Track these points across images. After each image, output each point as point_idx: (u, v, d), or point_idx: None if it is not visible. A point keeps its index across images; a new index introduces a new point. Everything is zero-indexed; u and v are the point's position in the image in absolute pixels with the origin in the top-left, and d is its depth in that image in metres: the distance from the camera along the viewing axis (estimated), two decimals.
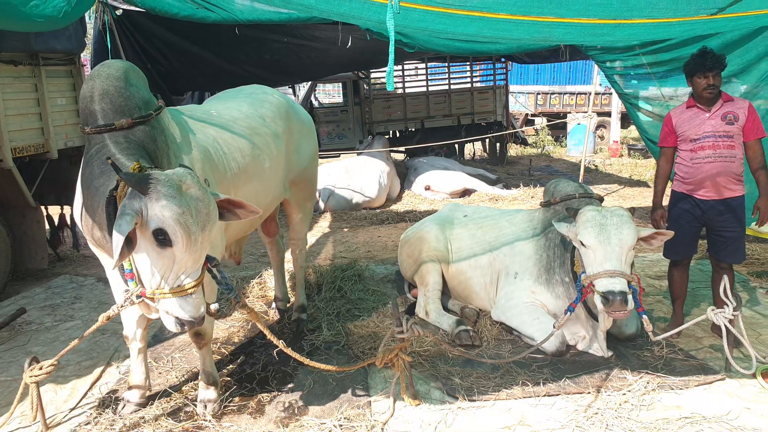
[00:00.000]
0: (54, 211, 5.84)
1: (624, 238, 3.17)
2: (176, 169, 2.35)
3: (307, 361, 2.97)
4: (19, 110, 4.82)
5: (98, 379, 3.46)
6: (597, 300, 3.12)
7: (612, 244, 3.15)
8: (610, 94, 15.30)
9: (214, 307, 2.52)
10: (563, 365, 3.46)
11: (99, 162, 2.47)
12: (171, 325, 2.35)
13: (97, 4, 5.73)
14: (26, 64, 4.87)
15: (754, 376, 3.24)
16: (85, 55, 6.76)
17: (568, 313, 3.24)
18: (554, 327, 3.30)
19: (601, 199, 3.91)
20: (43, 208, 5.51)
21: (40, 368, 2.77)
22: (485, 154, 13.95)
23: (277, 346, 2.86)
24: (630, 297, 3.04)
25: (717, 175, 3.58)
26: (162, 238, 2.19)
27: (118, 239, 2.10)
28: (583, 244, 3.23)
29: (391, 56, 2.49)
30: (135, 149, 2.48)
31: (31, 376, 2.76)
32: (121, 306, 2.52)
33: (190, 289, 2.29)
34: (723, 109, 3.59)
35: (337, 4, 3.08)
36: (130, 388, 3.15)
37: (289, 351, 2.89)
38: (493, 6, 2.89)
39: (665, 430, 2.80)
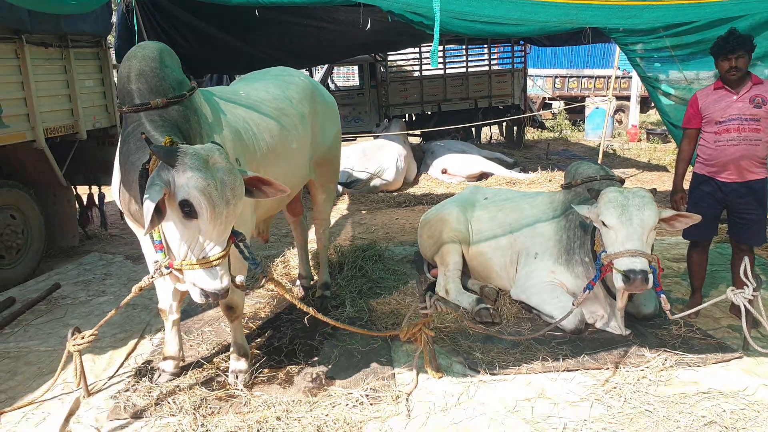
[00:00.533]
0: (83, 191, 6.00)
1: (645, 219, 3.22)
2: (206, 144, 2.44)
3: (339, 324, 3.11)
4: (50, 92, 4.95)
5: (133, 350, 3.62)
6: (617, 278, 3.18)
7: (634, 224, 3.20)
8: (630, 77, 15.12)
9: (239, 279, 2.63)
10: (582, 342, 3.54)
11: (135, 139, 2.58)
12: (196, 296, 2.44)
13: None
14: (56, 46, 4.99)
15: None
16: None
17: (587, 290, 3.31)
18: (573, 305, 3.38)
19: (622, 181, 3.95)
20: (72, 187, 5.67)
21: (82, 338, 2.92)
22: (502, 138, 13.92)
23: (307, 316, 2.98)
24: (650, 276, 3.11)
25: (741, 158, 3.60)
26: (188, 210, 2.29)
27: (148, 206, 2.21)
28: (604, 224, 3.29)
29: (436, 35, 2.55)
30: (169, 127, 2.57)
31: (74, 345, 2.91)
32: (152, 277, 2.63)
33: (214, 261, 2.37)
34: (752, 92, 3.58)
35: None
36: (165, 358, 3.29)
37: (320, 316, 3.02)
38: None
39: (682, 404, 2.88)
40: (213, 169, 2.30)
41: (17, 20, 4.40)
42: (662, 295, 3.21)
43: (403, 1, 3.27)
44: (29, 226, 4.95)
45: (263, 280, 2.82)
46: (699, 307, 3.42)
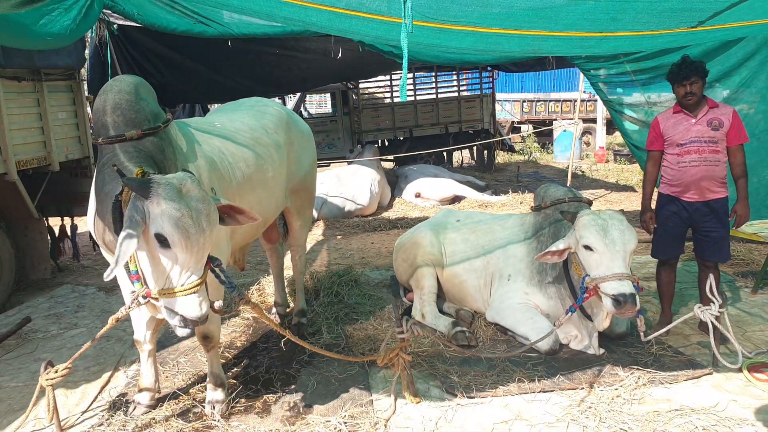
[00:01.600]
0: (55, 222, 5.91)
1: (627, 241, 3.32)
2: (178, 173, 2.47)
3: (316, 349, 3.16)
4: (23, 124, 4.91)
5: (107, 383, 3.56)
6: (606, 302, 3.24)
7: (617, 247, 3.29)
8: (595, 100, 15.63)
9: (218, 304, 2.64)
10: (557, 363, 3.61)
11: (109, 170, 2.60)
12: (176, 324, 2.45)
13: (98, 21, 5.83)
14: (29, 79, 4.97)
15: (740, 370, 3.40)
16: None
17: (570, 313, 3.38)
18: (555, 326, 3.44)
19: (590, 203, 4.09)
20: (44, 219, 5.59)
21: (56, 371, 2.87)
22: (473, 162, 14.17)
23: (284, 339, 2.99)
24: (637, 297, 3.20)
25: (702, 178, 3.76)
26: (163, 240, 2.32)
27: (128, 244, 2.25)
28: (588, 248, 3.34)
29: (404, 71, 2.65)
30: (143, 158, 2.60)
31: (47, 379, 2.85)
32: (129, 307, 2.62)
33: (192, 288, 2.39)
34: (709, 115, 3.75)
35: (338, 21, 3.23)
36: (140, 390, 3.25)
37: (298, 340, 3.05)
38: (487, 21, 3.04)
39: (656, 422, 2.94)
40: (186, 198, 2.34)
41: None
42: (640, 316, 3.31)
43: (373, 34, 3.39)
44: None
45: (240, 304, 2.81)
46: (670, 326, 3.53)
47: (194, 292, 2.40)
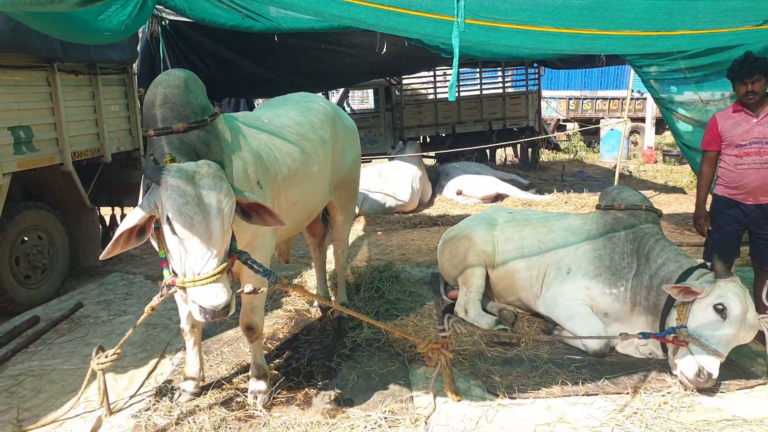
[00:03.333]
0: (106, 212, 6.13)
1: (748, 336, 3.23)
2: (199, 161, 2.47)
3: (367, 319, 3.25)
4: (78, 117, 5.11)
5: (153, 369, 3.66)
6: (687, 364, 3.17)
7: (741, 332, 3.18)
8: (644, 99, 15.13)
9: (248, 288, 2.69)
10: (601, 366, 3.52)
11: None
12: (196, 313, 2.43)
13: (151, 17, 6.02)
14: (85, 73, 5.16)
15: None
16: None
17: (641, 335, 3.29)
18: (619, 336, 3.37)
19: (661, 215, 4.01)
20: (96, 209, 5.81)
21: (106, 356, 2.98)
22: (517, 160, 13.94)
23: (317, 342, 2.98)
24: None
25: (763, 180, 3.59)
26: (172, 227, 2.35)
27: (123, 225, 2.36)
28: (719, 313, 3.19)
29: (455, 69, 2.62)
30: (185, 150, 2.61)
31: (98, 364, 2.97)
32: (160, 296, 2.67)
33: (206, 278, 2.35)
34: None
35: (387, 19, 3.21)
36: (185, 378, 3.33)
37: (344, 309, 3.20)
38: (539, 20, 2.97)
39: (705, 431, 2.84)
40: (196, 185, 2.33)
41: (50, 50, 4.56)
42: None
43: (422, 32, 3.37)
44: (55, 246, 5.07)
45: (281, 287, 2.80)
46: None
47: (209, 282, 2.36)
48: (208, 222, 2.33)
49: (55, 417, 3.10)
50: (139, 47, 6.41)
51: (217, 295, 2.37)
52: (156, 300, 2.72)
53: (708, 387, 3.12)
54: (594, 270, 3.90)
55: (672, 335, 3.22)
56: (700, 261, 3.59)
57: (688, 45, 4.44)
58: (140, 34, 6.68)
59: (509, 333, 3.88)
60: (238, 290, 2.71)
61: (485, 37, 3.33)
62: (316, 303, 4.64)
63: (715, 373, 3.09)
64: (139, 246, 2.53)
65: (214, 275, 2.36)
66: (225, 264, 2.42)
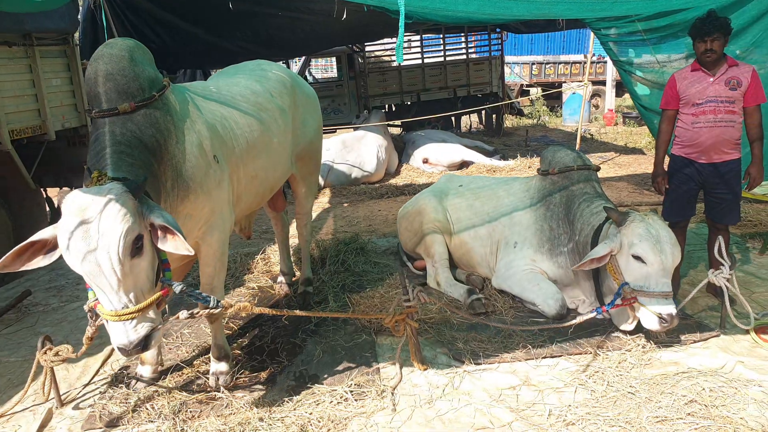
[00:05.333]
0: (53, 192, 5.84)
1: (676, 258, 3.17)
2: (108, 184, 2.22)
3: (320, 314, 3.26)
4: (15, 92, 4.78)
5: (109, 356, 3.52)
6: (647, 317, 3.07)
7: (667, 264, 3.12)
8: (605, 62, 15.24)
9: (183, 314, 2.50)
10: (563, 328, 3.54)
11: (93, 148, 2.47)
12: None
13: None
14: (20, 44, 4.81)
15: (747, 332, 3.36)
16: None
17: (595, 313, 3.18)
18: (576, 320, 3.24)
19: (598, 170, 3.97)
20: (42, 190, 5.52)
21: (56, 354, 2.82)
22: (482, 126, 13.93)
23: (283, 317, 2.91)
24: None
25: (716, 139, 3.62)
26: None
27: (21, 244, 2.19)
28: (637, 258, 3.14)
29: (401, 31, 2.48)
30: (128, 140, 2.44)
31: (45, 360, 2.81)
32: (91, 325, 2.51)
33: (111, 316, 2.15)
34: (728, 74, 3.59)
35: None
36: (142, 363, 3.21)
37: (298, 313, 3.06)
38: None
39: (663, 384, 2.90)
40: (77, 215, 2.07)
41: None
42: None
43: None
44: None
45: (223, 311, 2.64)
46: (688, 298, 3.44)
47: (114, 321, 2.15)
48: (85, 260, 2.07)
49: (3, 411, 2.96)
50: (80, 16, 6.03)
51: (127, 334, 2.16)
52: (90, 330, 2.54)
53: (675, 326, 3.08)
54: (537, 241, 3.90)
55: (619, 299, 3.17)
56: (607, 206, 3.51)
57: (645, 7, 4.41)
58: (81, 2, 6.28)
59: (483, 302, 3.87)
60: (173, 317, 2.54)
61: (441, 3, 3.21)
62: (279, 279, 4.55)
63: (674, 310, 3.04)
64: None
65: (118, 315, 2.14)
66: (136, 308, 2.16)
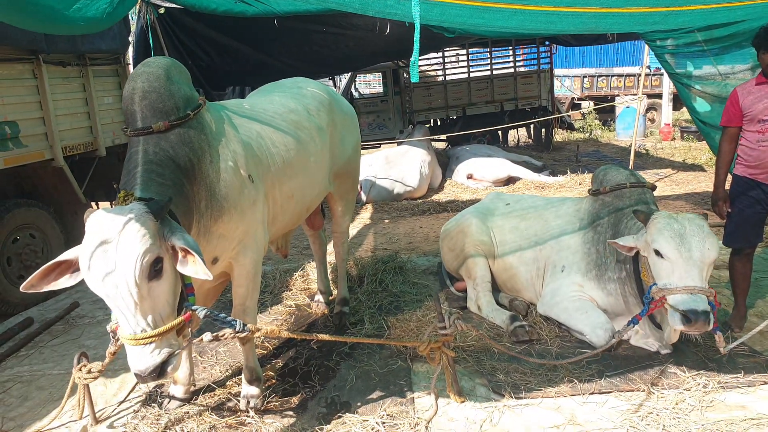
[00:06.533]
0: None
1: (707, 252, 2.93)
2: (131, 204, 2.19)
3: (353, 339, 3.15)
4: (69, 110, 4.97)
5: None
6: (673, 318, 2.88)
7: (694, 257, 2.90)
8: (661, 74, 14.64)
9: (207, 337, 2.44)
10: (614, 361, 3.31)
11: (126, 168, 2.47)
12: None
13: (140, 4, 5.82)
14: (74, 64, 5.01)
15: None
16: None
17: (632, 324, 3.03)
18: (614, 337, 3.13)
19: (653, 188, 3.71)
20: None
21: (89, 371, 2.83)
22: (530, 141, 13.62)
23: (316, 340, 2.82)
24: (712, 317, 2.82)
25: None
26: None
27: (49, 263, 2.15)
28: (658, 254, 2.97)
29: (416, 48, 2.36)
30: (160, 160, 2.42)
31: (79, 377, 2.82)
32: (112, 346, 2.52)
33: (128, 340, 2.10)
34: None
35: (372, 2, 2.98)
36: (175, 383, 3.19)
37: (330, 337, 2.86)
38: None
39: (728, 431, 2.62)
40: (98, 240, 2.05)
41: (31, 41, 4.41)
42: (718, 332, 2.93)
43: (385, 10, 3.11)
44: (49, 244, 4.96)
45: (250, 335, 2.59)
46: (754, 331, 3.12)
47: (132, 345, 2.09)
48: (104, 281, 2.03)
49: (40, 427, 2.98)
50: (132, 36, 6.23)
51: (143, 360, 2.10)
52: (112, 348, 2.54)
53: (703, 331, 2.84)
54: (585, 266, 3.67)
55: (650, 302, 2.97)
56: (636, 209, 3.34)
57: (701, 21, 4.12)
58: (133, 23, 6.49)
59: (527, 330, 3.66)
60: (196, 339, 2.47)
61: (480, 19, 3.09)
62: (317, 297, 4.48)
63: (699, 307, 2.78)
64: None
65: (135, 339, 2.09)
66: (154, 333, 2.09)
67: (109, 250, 2.03)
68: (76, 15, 3.32)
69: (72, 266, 2.19)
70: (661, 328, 3.25)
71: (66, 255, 2.18)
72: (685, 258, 2.90)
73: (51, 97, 4.67)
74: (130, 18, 6.18)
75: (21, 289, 2.14)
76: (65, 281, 2.19)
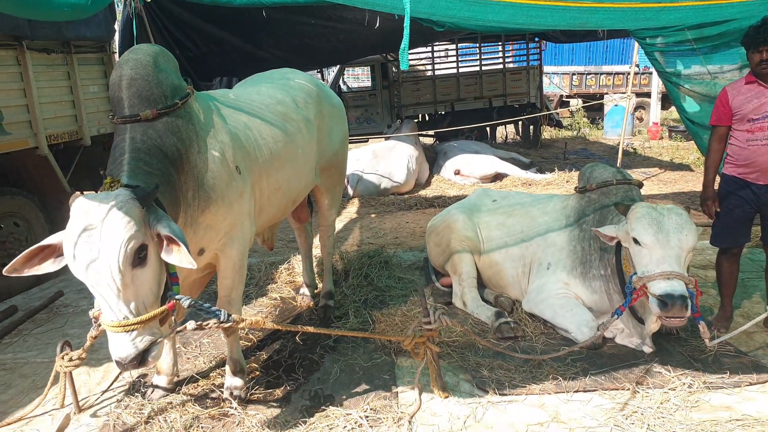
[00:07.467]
0: None
1: (684, 239, 2.97)
2: (116, 191, 2.15)
3: (338, 332, 3.11)
4: (53, 98, 4.89)
5: None
6: (652, 304, 2.92)
7: (671, 243, 2.94)
8: (650, 73, 14.75)
9: (191, 325, 2.41)
10: (599, 359, 3.32)
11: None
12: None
13: None
14: (59, 52, 4.92)
15: None
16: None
17: (615, 316, 3.04)
18: (598, 330, 3.15)
19: (640, 185, 3.72)
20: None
21: (70, 359, 2.80)
22: (518, 138, 13.65)
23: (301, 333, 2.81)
24: (689, 302, 2.85)
25: None
26: None
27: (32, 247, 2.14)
28: (637, 242, 3.02)
29: (406, 34, 2.34)
30: (146, 148, 2.39)
31: (60, 365, 2.79)
32: (91, 335, 2.53)
33: (110, 327, 2.07)
34: None
35: None
36: (158, 373, 3.16)
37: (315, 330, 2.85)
38: None
39: None
40: (82, 223, 2.02)
41: (14, 26, 4.32)
42: (701, 322, 2.94)
43: (400, 6, 3.09)
44: (33, 233, 4.89)
45: (235, 325, 2.55)
46: (739, 330, 3.13)
47: (113, 332, 2.07)
48: (87, 269, 2.00)
49: (22, 415, 2.95)
50: (118, 24, 6.13)
51: (123, 347, 2.07)
52: (93, 332, 2.52)
53: (682, 319, 2.85)
54: (571, 263, 3.69)
55: (632, 291, 3.01)
56: (617, 202, 3.40)
57: (693, 18, 4.13)
58: (119, 10, 6.39)
59: (512, 326, 3.66)
60: (180, 328, 2.45)
61: (469, 12, 3.07)
62: (302, 290, 4.46)
63: (676, 291, 2.82)
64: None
65: (116, 327, 2.06)
66: (136, 320, 2.06)
67: (93, 236, 2.00)
68: (60, 0, 3.25)
69: (56, 251, 2.15)
70: (643, 323, 3.27)
71: (50, 240, 2.15)
72: (662, 244, 2.94)
73: (35, 84, 4.59)
74: (115, 5, 6.07)
75: (4, 272, 2.10)
76: (49, 266, 2.16)
